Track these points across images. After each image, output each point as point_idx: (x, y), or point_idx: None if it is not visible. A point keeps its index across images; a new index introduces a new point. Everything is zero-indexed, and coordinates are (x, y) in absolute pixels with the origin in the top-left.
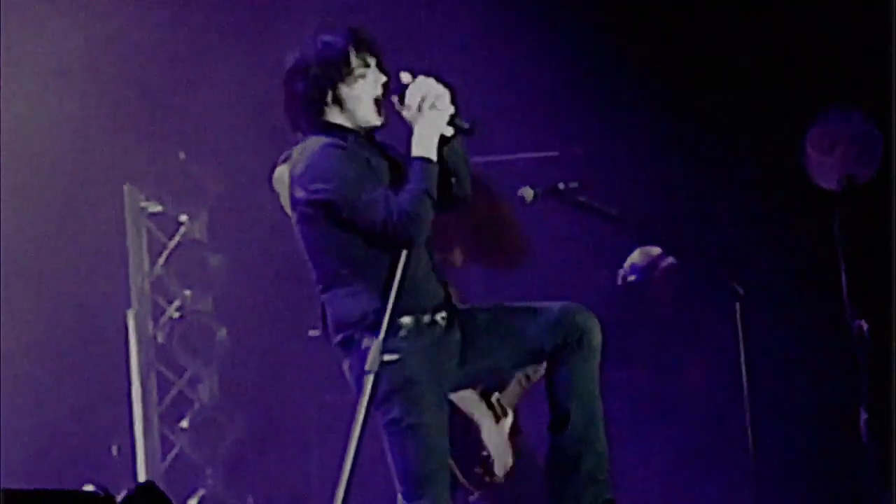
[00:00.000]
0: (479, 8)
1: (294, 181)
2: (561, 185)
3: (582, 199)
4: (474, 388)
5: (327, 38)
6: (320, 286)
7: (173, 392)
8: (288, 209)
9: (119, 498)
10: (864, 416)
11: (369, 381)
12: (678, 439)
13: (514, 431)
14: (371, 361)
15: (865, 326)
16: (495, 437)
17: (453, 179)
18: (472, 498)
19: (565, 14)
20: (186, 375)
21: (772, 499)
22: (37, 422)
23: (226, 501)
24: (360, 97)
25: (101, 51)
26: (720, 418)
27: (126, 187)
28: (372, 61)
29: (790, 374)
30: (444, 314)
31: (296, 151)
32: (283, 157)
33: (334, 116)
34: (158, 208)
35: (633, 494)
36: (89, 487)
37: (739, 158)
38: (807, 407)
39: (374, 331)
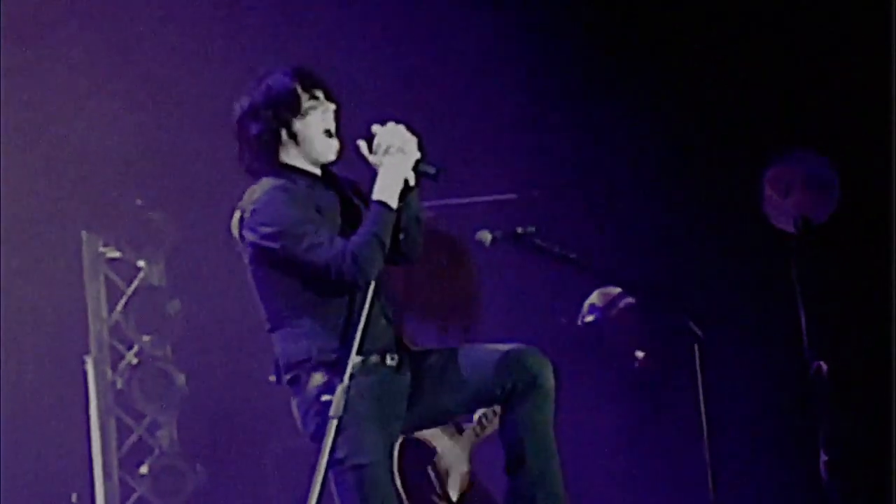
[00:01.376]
0: (439, 51)
1: (243, 224)
2: (519, 229)
3: (540, 242)
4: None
5: (272, 79)
6: (269, 326)
7: (133, 438)
8: (245, 257)
9: None
10: (823, 457)
11: (332, 427)
12: (638, 479)
13: (468, 480)
14: (335, 407)
15: (824, 367)
16: (452, 458)
17: (401, 236)
18: None
19: (525, 57)
20: (145, 421)
21: None
22: None
23: None
24: (313, 131)
25: (60, 95)
26: (679, 458)
27: (84, 233)
28: (320, 94)
29: (749, 414)
30: (393, 356)
31: (246, 194)
32: (241, 203)
33: (290, 156)
34: (116, 254)
35: None
36: None
37: (699, 199)
38: (767, 448)
39: (319, 370)
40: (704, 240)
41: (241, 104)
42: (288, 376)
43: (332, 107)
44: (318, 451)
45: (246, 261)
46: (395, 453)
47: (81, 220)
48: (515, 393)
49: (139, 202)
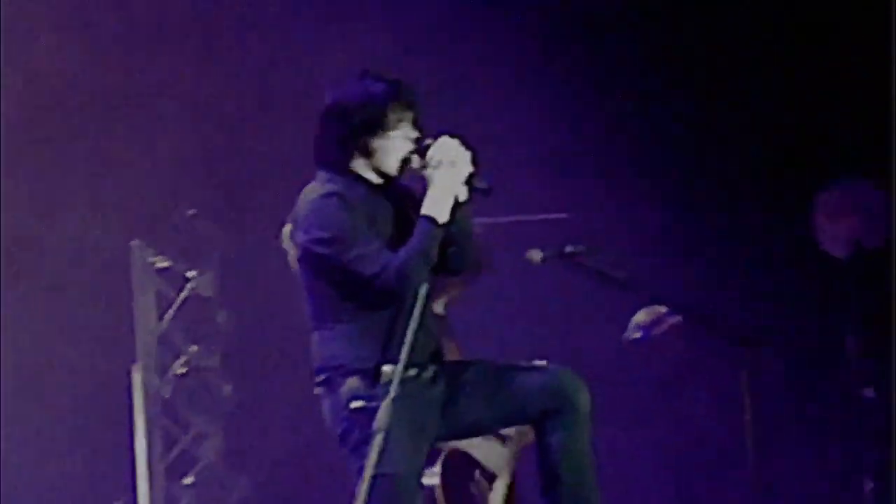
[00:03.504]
0: (489, 65)
1: (295, 223)
2: (568, 248)
3: (589, 262)
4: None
5: (372, 87)
6: (311, 324)
7: (178, 448)
8: (295, 266)
9: None
10: (868, 484)
11: (377, 441)
12: (682, 498)
13: (511, 494)
14: (380, 420)
15: (872, 394)
16: (495, 470)
17: (451, 249)
18: None
19: (577, 74)
20: (192, 431)
21: None
22: (40, 476)
23: None
24: (390, 152)
25: (109, 102)
26: (724, 477)
27: (134, 242)
28: (410, 116)
29: (796, 438)
30: (430, 368)
31: (302, 194)
32: (292, 215)
33: (357, 164)
34: (166, 264)
35: None
36: None
37: (749, 223)
38: (812, 473)
39: (353, 376)
40: (754, 263)
41: (334, 98)
42: (321, 377)
43: (415, 134)
44: (348, 456)
45: (294, 262)
46: (422, 465)
47: (132, 229)
48: (550, 415)
49: (190, 212)
